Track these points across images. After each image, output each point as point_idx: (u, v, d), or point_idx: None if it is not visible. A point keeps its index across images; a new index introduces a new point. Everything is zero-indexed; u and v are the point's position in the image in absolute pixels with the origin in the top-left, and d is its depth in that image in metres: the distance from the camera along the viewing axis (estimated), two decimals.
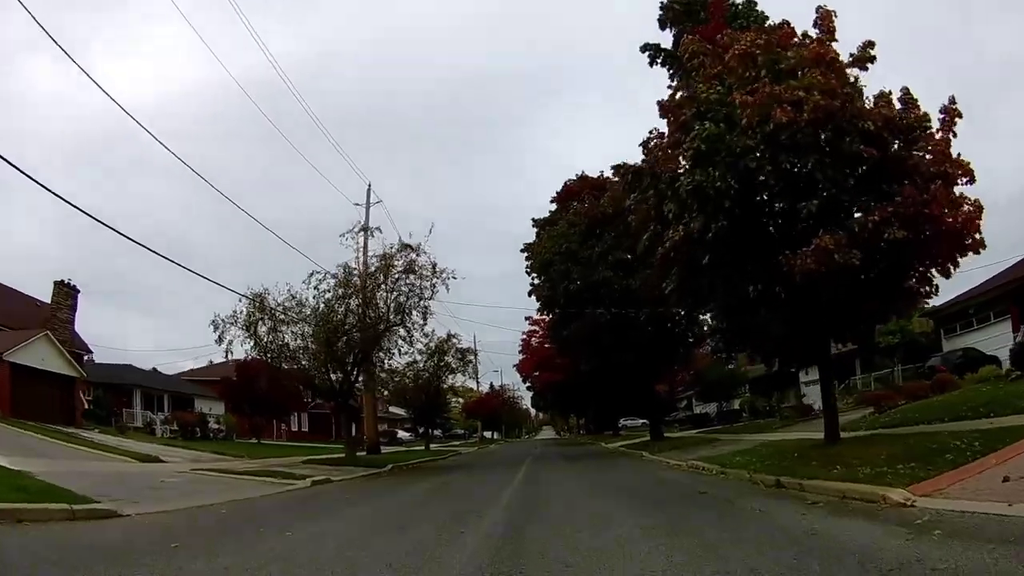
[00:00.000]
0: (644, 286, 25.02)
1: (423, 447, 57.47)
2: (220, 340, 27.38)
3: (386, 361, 30.44)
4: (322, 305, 27.48)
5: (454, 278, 27.85)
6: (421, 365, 43.24)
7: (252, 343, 27.66)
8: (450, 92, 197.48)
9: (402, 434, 70.78)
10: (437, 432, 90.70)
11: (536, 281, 33.59)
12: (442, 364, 42.77)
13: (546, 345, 52.11)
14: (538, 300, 33.40)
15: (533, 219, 35.12)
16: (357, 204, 38.29)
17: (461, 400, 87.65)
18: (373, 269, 27.97)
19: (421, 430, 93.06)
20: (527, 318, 51.46)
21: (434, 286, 27.55)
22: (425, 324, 28.34)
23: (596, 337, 30.82)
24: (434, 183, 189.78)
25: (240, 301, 27.16)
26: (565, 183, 34.95)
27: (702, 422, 50.19)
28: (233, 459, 28.15)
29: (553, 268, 31.13)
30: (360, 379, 30.77)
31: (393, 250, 27.67)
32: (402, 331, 28.49)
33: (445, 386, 45.15)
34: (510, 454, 40.36)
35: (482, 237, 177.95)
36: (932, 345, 38.15)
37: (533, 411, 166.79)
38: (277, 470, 22.09)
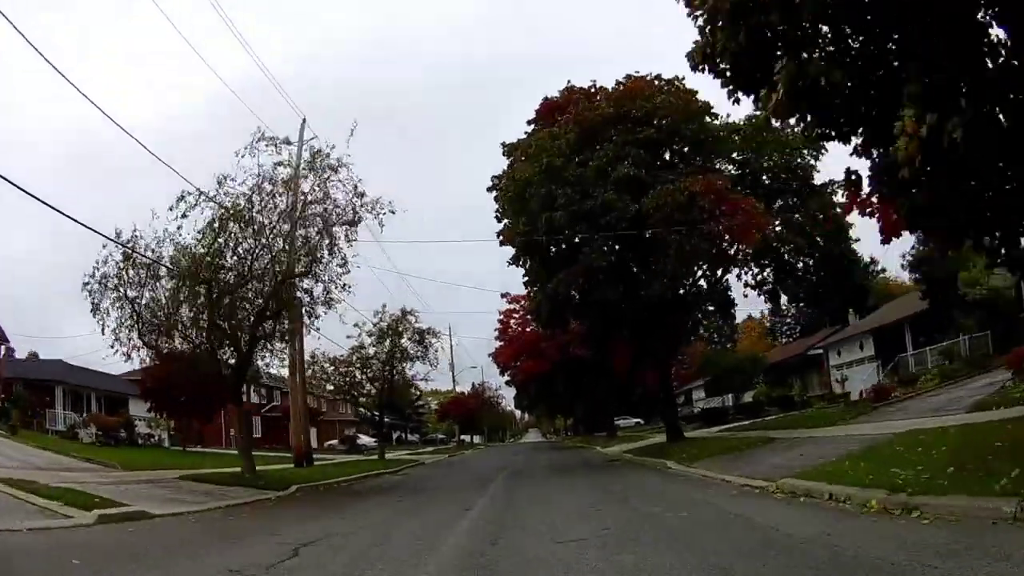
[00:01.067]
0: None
1: (395, 452, 48.78)
2: (95, 311, 18.79)
3: (296, 331, 21.77)
4: (200, 247, 18.77)
5: (392, 211, 19.27)
6: (371, 352, 34.57)
7: (127, 312, 18.98)
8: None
9: (366, 439, 61.71)
10: (414, 437, 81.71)
11: (507, 222, 24.79)
12: (397, 350, 34.06)
13: (528, 329, 43.44)
14: (511, 244, 24.64)
15: (503, 143, 26.13)
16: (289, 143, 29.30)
17: (436, 402, 78.90)
18: (271, 191, 19.09)
19: (396, 434, 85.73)
20: (504, 295, 42.95)
21: (356, 216, 18.92)
22: (346, 270, 19.69)
23: (593, 290, 22.25)
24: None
25: (105, 248, 18.49)
26: (545, 98, 26.19)
27: (718, 417, 41.69)
28: (99, 469, 22.06)
29: (531, 194, 22.38)
30: (267, 358, 21.95)
31: (294, 162, 18.98)
32: (318, 289, 19.84)
33: (403, 377, 36.28)
34: (483, 465, 31.74)
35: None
36: (1012, 307, 29.55)
37: (518, 412, 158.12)
38: (90, 491, 13.66)
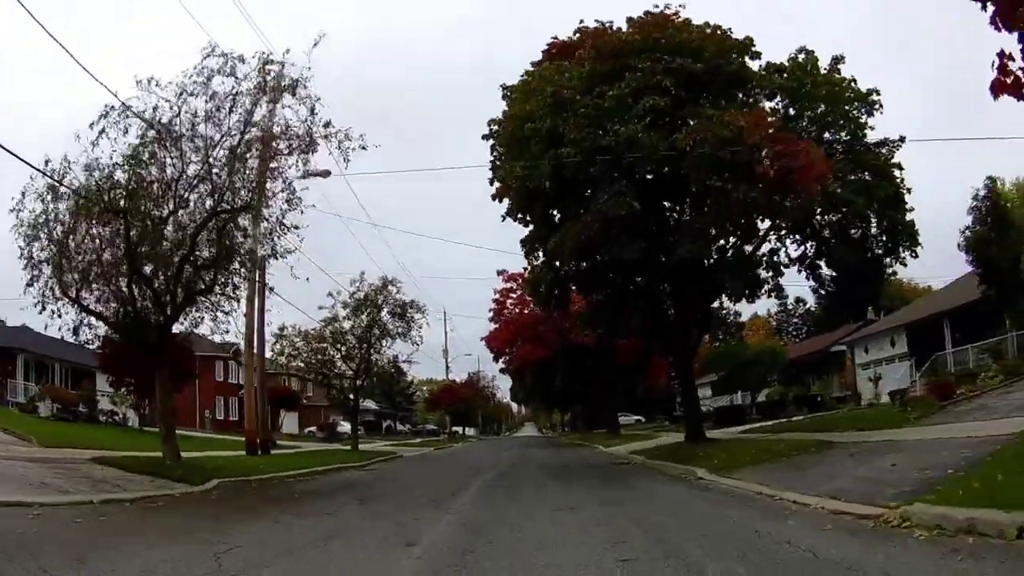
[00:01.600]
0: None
1: (376, 443, 44.72)
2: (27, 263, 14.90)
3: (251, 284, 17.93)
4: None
5: (363, 147, 15.32)
6: (346, 326, 30.51)
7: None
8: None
9: (348, 427, 57.58)
10: (404, 427, 77.57)
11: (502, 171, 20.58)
12: (376, 325, 29.99)
13: (525, 311, 39.37)
14: (506, 196, 20.47)
15: (503, 86, 21.76)
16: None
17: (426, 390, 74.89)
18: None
19: (385, 423, 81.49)
20: (500, 272, 38.85)
21: (312, 142, 14.91)
22: (293, 206, 15.71)
23: (607, 247, 18.10)
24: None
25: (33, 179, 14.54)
26: (553, 39, 21.93)
27: (734, 417, 37.55)
28: (10, 442, 19.28)
29: (533, 132, 18.11)
30: (208, 318, 17.86)
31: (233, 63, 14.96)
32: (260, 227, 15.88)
33: (382, 357, 32.21)
34: (468, 460, 27.69)
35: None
36: None
37: (515, 406, 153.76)
38: None
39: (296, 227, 16.16)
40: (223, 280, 16.77)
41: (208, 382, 53.79)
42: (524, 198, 19.73)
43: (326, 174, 23.71)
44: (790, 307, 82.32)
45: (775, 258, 21.38)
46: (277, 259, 16.64)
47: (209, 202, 15.22)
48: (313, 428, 56.92)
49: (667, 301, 21.78)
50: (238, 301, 19.04)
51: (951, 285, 38.31)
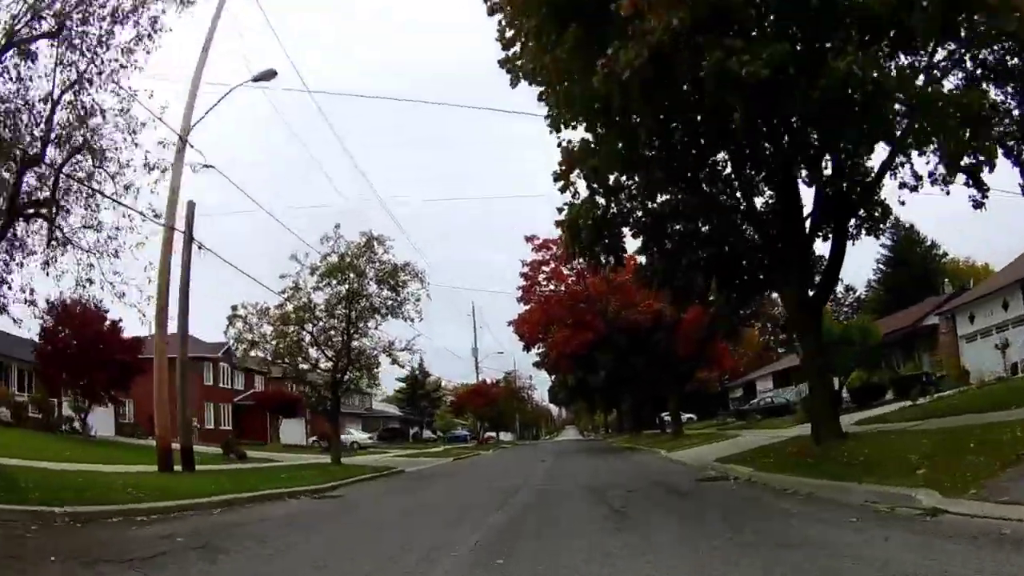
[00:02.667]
0: None
1: (388, 453, 37.23)
2: None
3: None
4: None
5: None
6: (317, 299, 22.99)
7: None
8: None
9: (358, 435, 50.24)
10: (436, 433, 69.88)
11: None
12: (357, 296, 22.43)
13: (562, 286, 31.50)
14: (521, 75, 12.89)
15: None
16: None
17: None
18: None
19: (412, 430, 73.94)
20: (529, 239, 30.96)
21: None
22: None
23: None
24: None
25: None
26: None
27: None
28: None
29: None
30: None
31: None
32: None
33: (375, 342, 24.39)
34: (488, 476, 19.98)
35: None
36: None
37: (554, 409, 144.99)
38: None
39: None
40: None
41: (194, 386, 47.03)
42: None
43: (271, 75, 18.91)
44: (839, 295, 74.67)
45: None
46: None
47: None
48: (315, 437, 49.44)
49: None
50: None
51: None
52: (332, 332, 23.08)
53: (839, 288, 76.61)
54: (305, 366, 23.97)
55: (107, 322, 29.43)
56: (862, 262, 71.92)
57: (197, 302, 18.87)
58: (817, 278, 16.53)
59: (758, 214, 16.50)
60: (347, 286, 22.36)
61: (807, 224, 15.63)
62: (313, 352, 23.82)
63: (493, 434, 72.83)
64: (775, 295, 21.62)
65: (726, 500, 10.45)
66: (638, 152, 16.07)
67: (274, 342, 23.38)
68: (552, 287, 31.67)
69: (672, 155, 16.43)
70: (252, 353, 24.16)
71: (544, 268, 31.04)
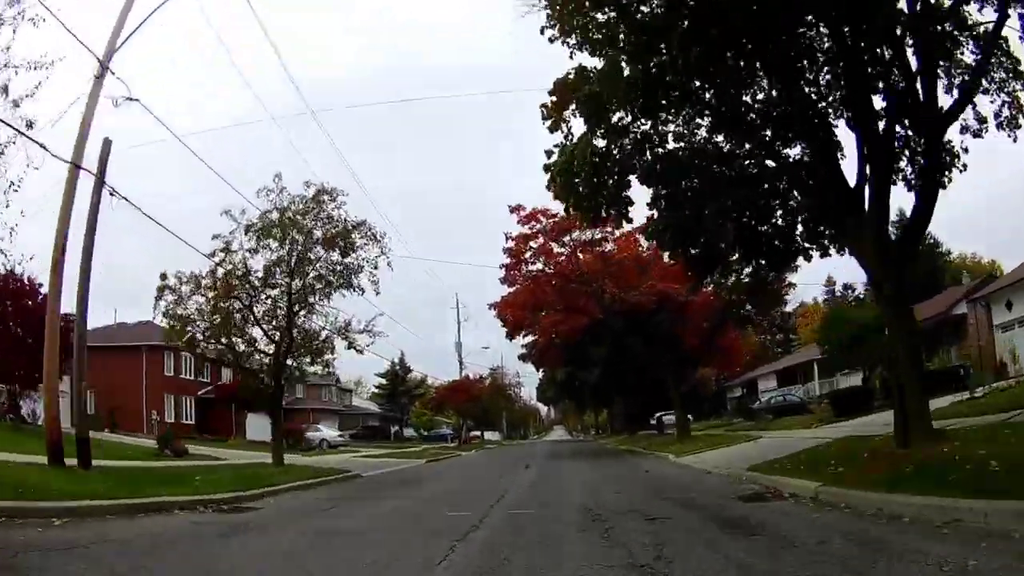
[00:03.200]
0: None
1: (359, 452, 33.13)
2: None
3: None
4: None
5: None
6: (254, 264, 18.86)
7: None
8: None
9: (327, 432, 45.98)
10: (411, 432, 65.59)
11: None
12: (305, 263, 18.38)
13: (549, 265, 27.53)
14: None
15: None
16: None
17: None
18: None
19: (394, 428, 69.10)
20: (513, 209, 26.88)
21: None
22: None
23: None
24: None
25: None
26: None
27: (860, 402, 25.77)
28: None
29: None
30: None
31: None
32: None
33: (328, 320, 20.11)
34: (457, 485, 15.96)
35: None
36: None
37: (542, 408, 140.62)
38: None
39: None
40: None
41: (155, 378, 42.92)
42: None
43: None
44: (838, 294, 73.73)
45: None
46: None
47: None
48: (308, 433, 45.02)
49: None
50: None
51: None
52: (273, 305, 18.94)
53: (837, 286, 74.64)
54: (242, 347, 19.77)
55: (40, 296, 25.68)
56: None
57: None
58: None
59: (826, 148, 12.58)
60: (288, 248, 18.26)
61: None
62: (254, 332, 19.65)
63: (477, 433, 68.76)
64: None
65: (812, 535, 6.51)
66: (657, 76, 12.32)
67: (207, 318, 19.23)
68: (541, 265, 27.61)
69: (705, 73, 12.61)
70: (187, 332, 19.86)
71: (531, 244, 26.97)
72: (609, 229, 26.95)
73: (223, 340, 19.34)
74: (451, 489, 15.18)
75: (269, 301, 19.27)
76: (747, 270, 17.52)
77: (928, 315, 37.55)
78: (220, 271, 18.37)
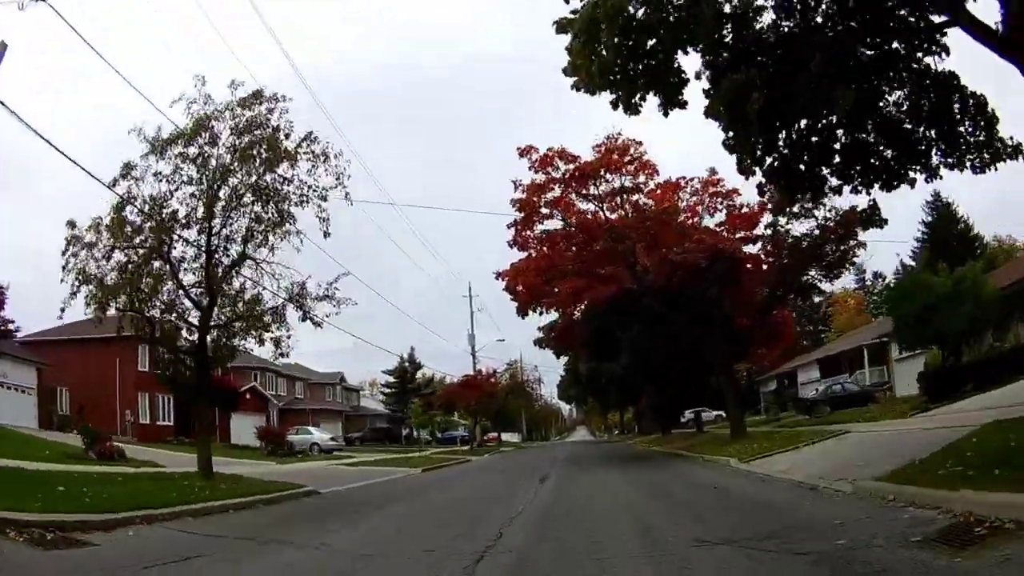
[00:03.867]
0: None
1: (352, 457, 27.89)
2: None
3: None
4: None
5: None
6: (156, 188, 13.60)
7: None
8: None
9: (318, 434, 40.62)
10: (423, 434, 60.09)
11: None
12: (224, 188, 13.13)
13: (571, 218, 22.02)
14: None
15: None
16: None
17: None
18: None
19: (404, 431, 63.14)
20: (523, 152, 21.38)
21: None
22: None
23: None
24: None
25: None
26: None
27: (951, 385, 20.40)
28: None
29: None
30: None
31: None
32: None
33: (271, 281, 14.79)
34: (415, 523, 10.37)
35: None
36: None
37: (564, 407, 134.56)
38: None
39: None
40: None
41: (128, 374, 38.12)
42: None
43: None
44: (868, 282, 71.02)
45: None
46: None
47: None
48: (295, 434, 39.72)
49: None
50: None
51: None
52: (188, 251, 13.76)
53: (867, 275, 69.39)
54: (155, 312, 14.50)
55: None
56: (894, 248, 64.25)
57: None
58: None
59: None
60: (199, 166, 13.07)
61: None
62: (173, 290, 14.43)
63: (494, 434, 63.39)
64: None
65: None
66: None
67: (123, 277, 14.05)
68: (559, 223, 21.83)
69: None
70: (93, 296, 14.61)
71: (549, 189, 21.21)
72: (643, 178, 21.57)
73: (129, 304, 14.08)
74: (417, 522, 9.86)
75: (194, 252, 14.07)
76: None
77: (1003, 283, 31.84)
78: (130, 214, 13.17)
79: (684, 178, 23.31)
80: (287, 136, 13.65)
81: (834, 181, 11.38)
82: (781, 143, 10.79)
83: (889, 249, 76.72)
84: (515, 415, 77.27)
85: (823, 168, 11.12)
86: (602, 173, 21.38)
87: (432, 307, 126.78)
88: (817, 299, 60.76)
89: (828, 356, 49.39)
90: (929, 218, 54.11)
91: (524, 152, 21.16)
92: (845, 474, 10.83)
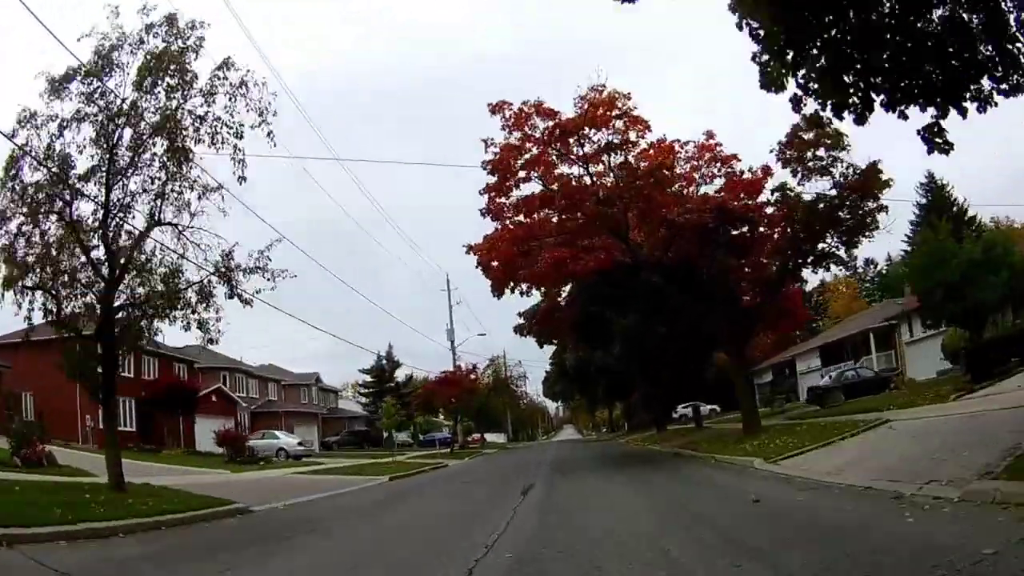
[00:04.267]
0: None
1: (322, 463, 24.89)
2: None
3: None
4: None
5: None
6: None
7: None
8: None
9: (287, 439, 37.39)
10: (403, 436, 56.87)
11: None
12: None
13: (551, 180, 19.05)
14: None
15: None
16: None
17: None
18: None
19: (385, 433, 59.17)
20: (495, 108, 18.38)
21: None
22: None
23: None
24: None
25: None
26: None
27: (992, 363, 17.83)
28: None
29: None
30: None
31: None
32: None
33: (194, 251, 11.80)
34: (293, 562, 7.41)
35: None
36: None
37: (550, 405, 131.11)
38: None
39: None
40: None
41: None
42: None
43: None
44: (860, 270, 71.03)
45: None
46: None
47: None
48: (254, 440, 36.38)
49: None
50: None
51: None
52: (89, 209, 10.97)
53: (859, 261, 67.96)
54: (59, 288, 11.65)
55: None
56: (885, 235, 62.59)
57: None
58: None
59: None
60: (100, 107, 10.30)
61: None
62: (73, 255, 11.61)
63: (478, 435, 60.29)
64: None
65: None
66: None
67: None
68: (537, 185, 18.69)
69: None
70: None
71: (525, 147, 18.06)
72: (633, 135, 18.70)
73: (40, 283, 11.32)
74: (338, 567, 6.93)
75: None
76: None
77: None
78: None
79: (678, 141, 20.52)
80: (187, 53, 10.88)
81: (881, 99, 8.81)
82: (834, 32, 8.14)
83: (881, 240, 75.45)
84: (499, 414, 74.20)
85: (873, 78, 8.51)
86: (586, 131, 18.44)
87: (414, 304, 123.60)
88: (807, 288, 58.50)
89: (829, 343, 47.28)
90: (924, 200, 52.22)
91: (496, 108, 18.16)
92: (927, 475, 8.14)
